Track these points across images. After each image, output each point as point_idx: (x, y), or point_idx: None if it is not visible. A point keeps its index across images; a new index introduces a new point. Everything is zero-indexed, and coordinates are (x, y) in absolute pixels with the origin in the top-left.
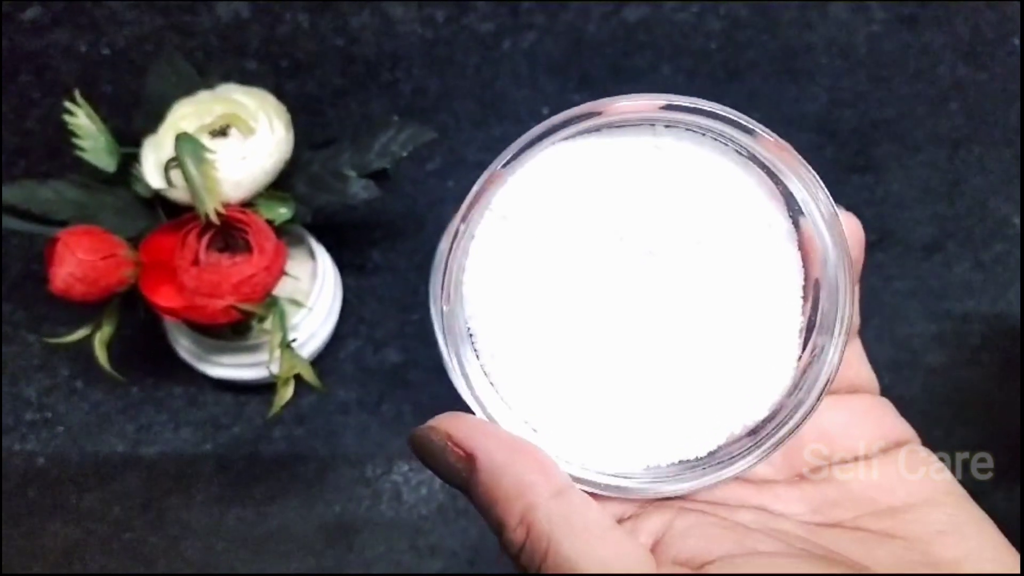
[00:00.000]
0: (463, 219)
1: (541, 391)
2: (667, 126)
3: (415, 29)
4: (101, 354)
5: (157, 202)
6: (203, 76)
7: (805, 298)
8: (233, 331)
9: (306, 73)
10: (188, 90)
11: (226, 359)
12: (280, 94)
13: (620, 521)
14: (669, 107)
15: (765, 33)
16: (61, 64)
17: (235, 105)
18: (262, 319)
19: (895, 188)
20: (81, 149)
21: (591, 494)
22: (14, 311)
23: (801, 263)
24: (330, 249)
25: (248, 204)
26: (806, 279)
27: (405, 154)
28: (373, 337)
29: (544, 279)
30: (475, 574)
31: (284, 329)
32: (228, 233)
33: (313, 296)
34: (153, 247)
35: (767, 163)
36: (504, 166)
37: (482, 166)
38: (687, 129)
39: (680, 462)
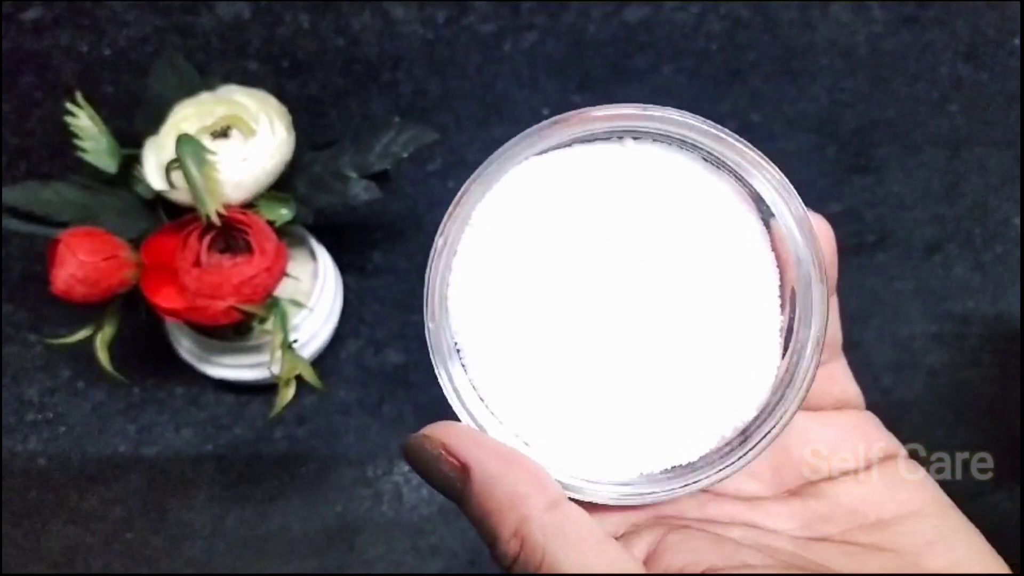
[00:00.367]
0: (442, 235)
1: (530, 403)
2: (635, 138)
3: (416, 30)
4: (102, 355)
5: (158, 203)
6: (204, 77)
7: (782, 298)
8: (234, 332)
9: (307, 74)
10: (189, 91)
11: (227, 360)
12: (281, 95)
13: (614, 538)
14: (636, 116)
15: (766, 34)
16: (62, 65)
17: (236, 106)
18: (263, 320)
19: (895, 189)
20: (82, 150)
21: (586, 505)
22: (16, 312)
23: (775, 263)
24: (331, 250)
25: (249, 205)
26: (782, 279)
27: (406, 155)
28: (374, 338)
29: (527, 291)
30: (476, 574)
31: (285, 330)
32: (229, 234)
33: (314, 297)
34: (154, 248)
35: (735, 167)
36: (480, 180)
37: None
38: (654, 141)
39: (673, 467)
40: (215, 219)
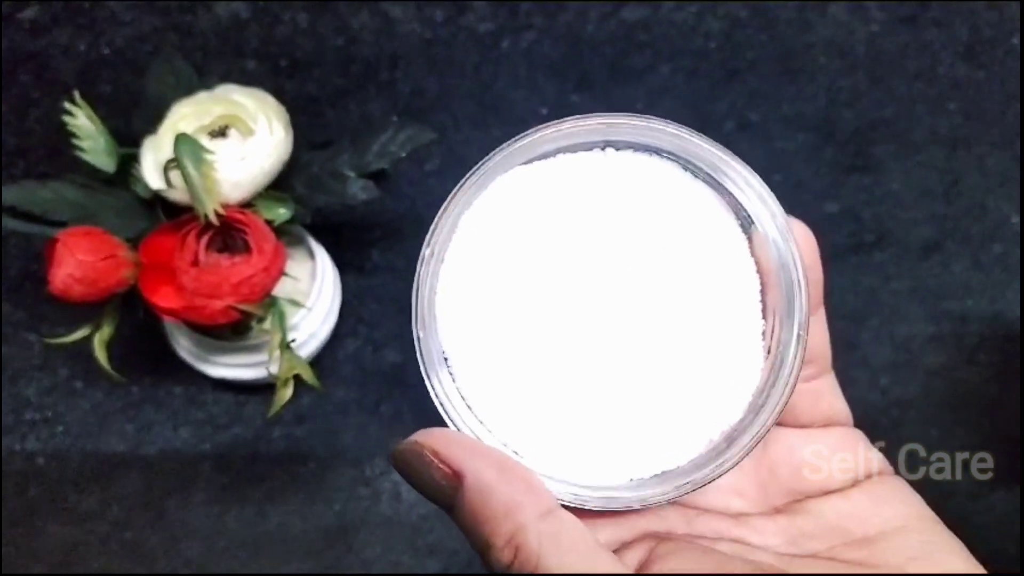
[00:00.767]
0: (429, 244)
1: (519, 411)
2: (617, 148)
3: (414, 29)
4: (101, 354)
5: (156, 203)
6: (202, 76)
7: (764, 302)
8: (232, 331)
9: (305, 73)
10: (187, 90)
11: (226, 359)
12: (279, 94)
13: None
14: (613, 125)
15: (764, 33)
16: (60, 64)
17: (234, 106)
18: (261, 319)
19: (894, 188)
20: (81, 149)
21: (577, 512)
22: (14, 311)
23: (756, 269)
24: (329, 249)
25: (247, 205)
26: (763, 284)
27: (404, 155)
28: (372, 337)
29: (513, 299)
30: (474, 574)
31: (283, 329)
32: (227, 234)
33: (312, 296)
34: (152, 248)
35: (715, 175)
36: (466, 190)
37: None
38: (636, 150)
39: (662, 472)
40: (213, 219)
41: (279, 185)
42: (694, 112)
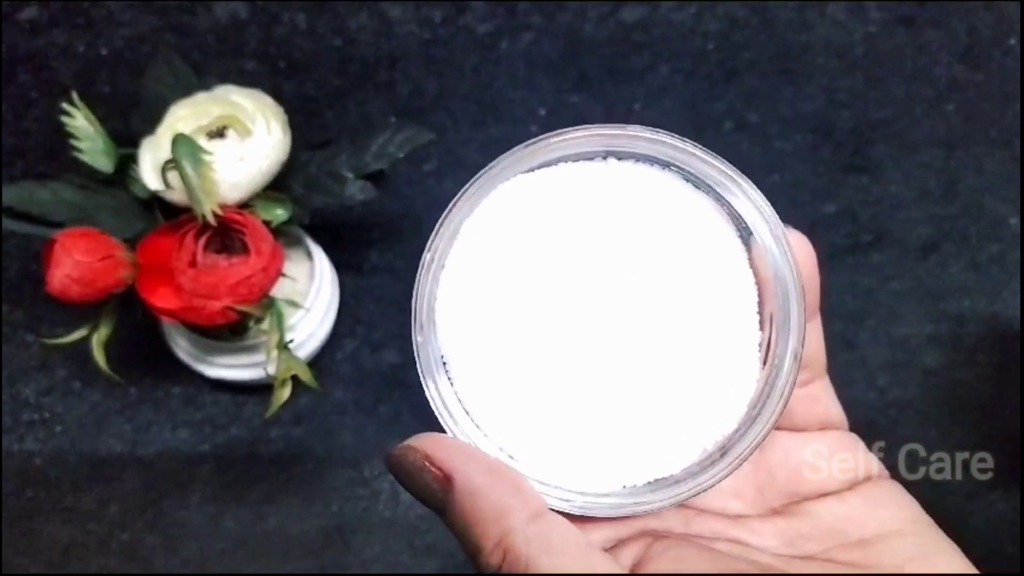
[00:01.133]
0: (430, 250)
1: (516, 417)
2: (619, 157)
3: (412, 30)
4: (99, 355)
5: (155, 203)
6: (200, 77)
7: (761, 314)
8: (230, 332)
9: (303, 74)
10: (185, 91)
11: (224, 360)
12: (277, 95)
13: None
14: (618, 135)
15: (762, 33)
16: (59, 65)
17: (232, 106)
18: (259, 320)
19: (892, 189)
20: (79, 150)
21: (571, 518)
22: (12, 311)
23: (754, 280)
24: (327, 250)
25: (245, 205)
26: (761, 296)
27: (402, 155)
28: (370, 338)
29: (512, 305)
30: (472, 574)
31: (281, 330)
32: (225, 234)
33: (310, 297)
34: (150, 248)
35: (715, 186)
36: (468, 196)
37: (480, 167)
38: (637, 160)
39: (656, 480)
40: (211, 219)
41: (277, 186)
42: (692, 112)
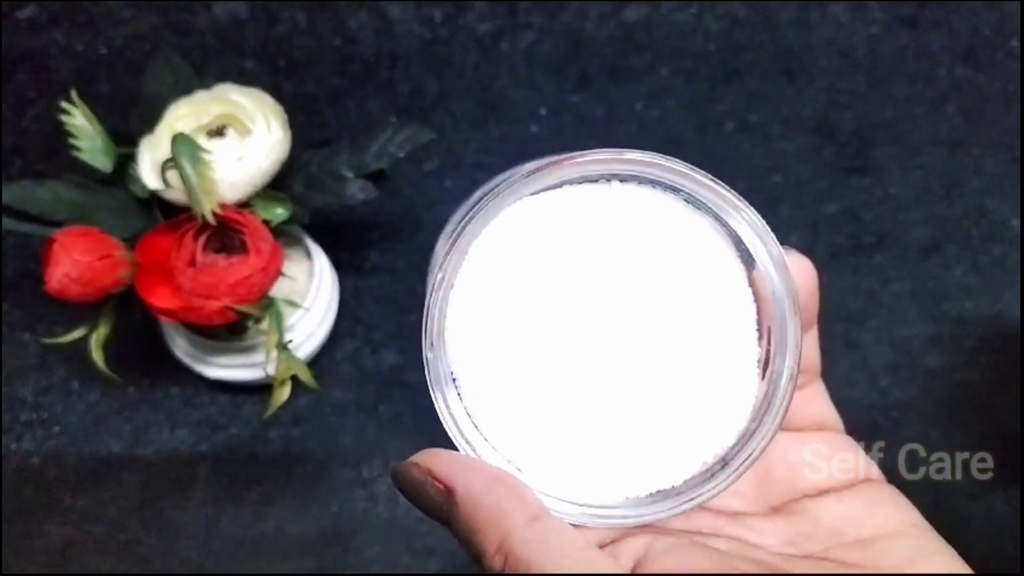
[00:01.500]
0: (441, 269)
1: (523, 431)
2: (621, 180)
3: (413, 29)
4: (97, 354)
5: (154, 202)
6: (200, 76)
7: (760, 331)
8: (229, 332)
9: (303, 73)
10: (185, 90)
11: (223, 360)
12: (277, 94)
13: (601, 547)
14: (622, 160)
15: (764, 34)
16: (58, 63)
17: (232, 105)
18: (259, 320)
19: (893, 190)
20: (78, 149)
21: (573, 525)
22: (10, 311)
23: (753, 298)
24: (327, 249)
25: (245, 205)
26: (759, 313)
27: (403, 155)
28: (370, 338)
29: (519, 323)
30: (472, 574)
31: (281, 330)
32: (225, 234)
33: (310, 297)
34: (149, 248)
35: (714, 208)
36: (477, 218)
37: (480, 167)
38: (640, 183)
39: (657, 491)
40: (210, 218)
41: (277, 185)
42: (694, 112)
